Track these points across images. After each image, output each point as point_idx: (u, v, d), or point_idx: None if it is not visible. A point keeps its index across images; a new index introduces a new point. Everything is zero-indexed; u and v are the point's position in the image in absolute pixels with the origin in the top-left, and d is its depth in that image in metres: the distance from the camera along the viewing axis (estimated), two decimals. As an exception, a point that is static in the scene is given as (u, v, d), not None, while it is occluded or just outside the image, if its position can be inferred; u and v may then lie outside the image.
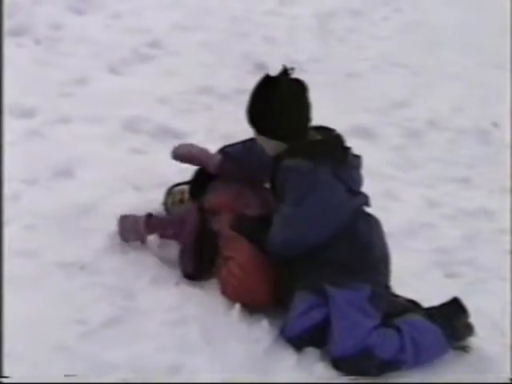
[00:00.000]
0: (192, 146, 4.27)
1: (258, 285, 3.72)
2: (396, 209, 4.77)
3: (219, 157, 4.16)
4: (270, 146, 3.67)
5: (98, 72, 5.79)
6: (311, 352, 3.60)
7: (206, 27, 6.65)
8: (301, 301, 3.66)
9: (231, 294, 3.76)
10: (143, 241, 4.05)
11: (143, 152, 4.96)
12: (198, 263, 3.96)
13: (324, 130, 3.73)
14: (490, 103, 6.23)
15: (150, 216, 4.07)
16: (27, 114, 5.12)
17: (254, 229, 3.83)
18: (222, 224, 3.95)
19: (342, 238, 3.58)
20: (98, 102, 5.36)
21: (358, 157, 3.73)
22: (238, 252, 3.79)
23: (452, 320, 3.65)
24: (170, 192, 4.36)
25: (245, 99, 5.77)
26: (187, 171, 4.37)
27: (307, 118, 3.65)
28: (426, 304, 3.78)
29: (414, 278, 4.16)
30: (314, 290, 3.63)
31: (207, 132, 5.26)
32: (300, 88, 3.62)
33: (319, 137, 3.67)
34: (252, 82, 6.14)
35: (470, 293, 3.94)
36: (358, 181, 3.72)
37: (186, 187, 4.34)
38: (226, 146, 4.20)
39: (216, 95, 5.81)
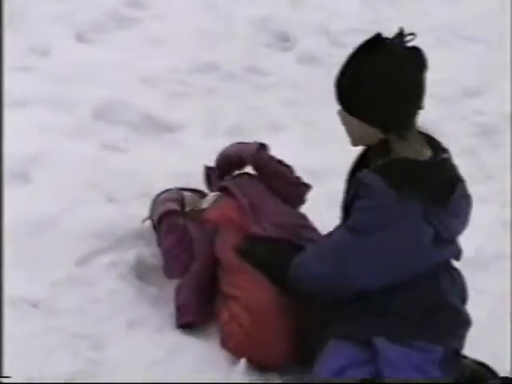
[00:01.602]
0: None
1: (274, 338, 3.71)
2: (465, 234, 4.76)
3: (256, 145, 4.27)
4: (362, 134, 3.57)
5: (63, 40, 5.86)
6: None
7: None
8: (336, 354, 3.62)
9: (235, 348, 3.74)
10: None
11: (121, 149, 4.96)
12: (200, 309, 3.95)
13: (432, 142, 3.61)
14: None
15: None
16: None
17: (271, 255, 3.82)
18: (224, 246, 3.95)
19: (413, 286, 3.55)
20: (61, 81, 5.41)
21: (468, 197, 3.64)
22: (245, 290, 3.77)
23: None
24: (156, 202, 4.36)
25: (260, 80, 5.87)
26: (178, 176, 4.40)
27: (419, 107, 3.50)
28: (499, 367, 3.77)
29: (484, 330, 4.17)
30: (357, 342, 3.60)
31: (208, 124, 5.33)
32: (418, 62, 3.49)
33: (425, 150, 3.55)
34: (270, 57, 6.23)
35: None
36: (456, 229, 3.66)
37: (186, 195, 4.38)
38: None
39: (220, 74, 5.88)
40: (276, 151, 4.87)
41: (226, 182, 4.25)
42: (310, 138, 5.45)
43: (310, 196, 4.75)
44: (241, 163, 4.31)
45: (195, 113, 5.39)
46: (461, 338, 3.65)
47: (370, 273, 3.50)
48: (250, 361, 3.67)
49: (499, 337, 4.15)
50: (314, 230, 4.17)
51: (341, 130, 5.52)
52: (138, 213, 4.33)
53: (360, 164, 3.69)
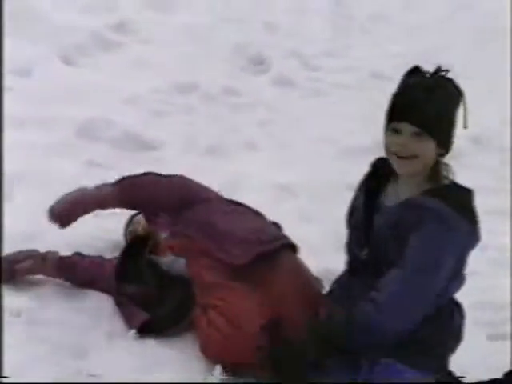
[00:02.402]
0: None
1: (250, 341, 3.64)
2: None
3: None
4: (432, 158, 3.43)
5: (47, 61, 5.82)
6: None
7: (188, 8, 6.69)
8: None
9: (213, 353, 3.71)
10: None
11: (103, 166, 4.92)
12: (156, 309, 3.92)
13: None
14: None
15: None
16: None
17: (331, 326, 3.56)
18: (197, 268, 3.92)
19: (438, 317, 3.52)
20: (45, 100, 5.38)
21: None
22: (224, 300, 3.74)
23: None
24: (131, 221, 4.36)
25: (236, 102, 5.84)
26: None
27: None
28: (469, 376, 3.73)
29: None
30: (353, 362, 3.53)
31: (187, 142, 5.31)
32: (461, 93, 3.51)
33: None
34: (245, 80, 6.19)
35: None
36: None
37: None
38: None
39: (199, 96, 5.86)
40: (251, 169, 4.84)
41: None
42: (283, 157, 5.43)
43: (283, 210, 4.80)
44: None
45: (175, 131, 5.39)
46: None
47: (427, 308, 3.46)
48: (226, 364, 3.64)
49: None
50: (272, 224, 4.20)
51: (312, 149, 5.52)
52: (118, 226, 4.36)
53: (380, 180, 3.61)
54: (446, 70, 3.48)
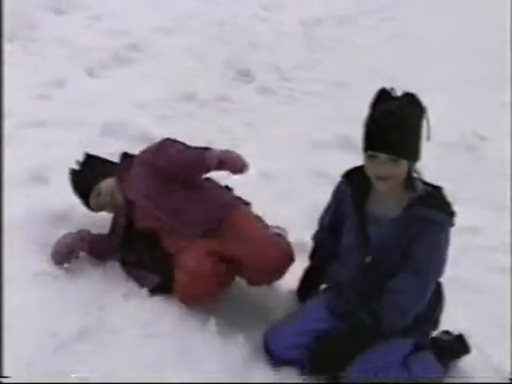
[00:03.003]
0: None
1: (206, 279, 3.69)
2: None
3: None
4: (404, 173, 3.34)
5: (75, 74, 5.80)
6: (286, 369, 3.57)
7: (188, 31, 6.68)
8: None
9: (186, 299, 3.76)
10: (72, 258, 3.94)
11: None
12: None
13: None
14: (476, 115, 6.27)
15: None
16: (4, 115, 5.08)
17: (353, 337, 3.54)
18: (169, 241, 3.92)
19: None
20: (74, 106, 5.36)
21: None
22: (180, 258, 3.76)
23: (456, 357, 3.67)
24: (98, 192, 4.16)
25: (227, 107, 5.85)
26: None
27: None
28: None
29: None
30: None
31: (187, 139, 5.14)
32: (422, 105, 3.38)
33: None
34: (235, 89, 6.18)
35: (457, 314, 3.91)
36: None
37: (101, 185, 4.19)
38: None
39: (197, 102, 5.82)
40: None
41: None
42: (264, 150, 5.40)
43: (264, 192, 4.84)
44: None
45: (177, 130, 5.27)
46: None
47: None
48: (191, 298, 3.73)
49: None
50: (227, 189, 4.15)
51: (287, 143, 5.50)
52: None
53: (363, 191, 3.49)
54: (412, 94, 3.35)
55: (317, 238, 3.84)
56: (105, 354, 3.42)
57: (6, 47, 5.83)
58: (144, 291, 3.83)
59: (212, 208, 3.95)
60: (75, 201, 4.22)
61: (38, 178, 4.57)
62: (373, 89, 6.46)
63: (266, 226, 3.99)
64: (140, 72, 6.08)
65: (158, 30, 6.58)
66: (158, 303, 3.78)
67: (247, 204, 4.09)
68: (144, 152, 4.04)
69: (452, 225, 3.38)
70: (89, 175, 4.13)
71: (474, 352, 3.69)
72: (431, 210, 3.34)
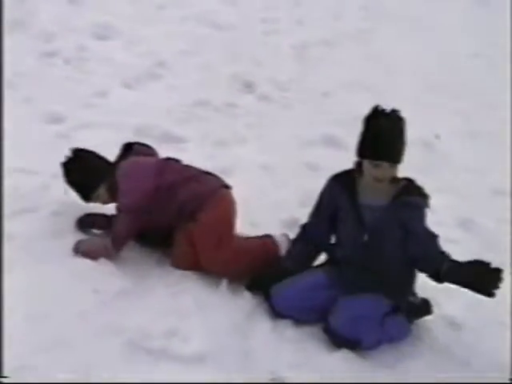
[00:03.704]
0: None
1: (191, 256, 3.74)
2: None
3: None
4: (394, 172, 3.46)
5: (115, 87, 5.79)
6: (283, 320, 3.59)
7: (203, 52, 6.65)
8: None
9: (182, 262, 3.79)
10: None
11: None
12: None
13: None
14: (435, 119, 6.28)
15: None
16: (57, 120, 5.13)
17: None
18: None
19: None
20: (115, 112, 5.36)
21: None
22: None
23: (420, 317, 3.69)
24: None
25: (234, 112, 5.86)
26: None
27: None
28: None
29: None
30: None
31: (202, 138, 5.26)
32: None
33: None
34: (240, 97, 6.17)
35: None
36: None
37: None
38: None
39: (210, 108, 5.79)
40: (243, 155, 4.85)
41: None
42: (263, 147, 5.38)
43: (263, 181, 4.85)
44: None
45: (195, 131, 5.33)
46: None
47: None
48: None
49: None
50: (210, 176, 3.92)
51: (283, 141, 5.50)
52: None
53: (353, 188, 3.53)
54: (397, 110, 3.40)
55: (309, 229, 3.77)
56: (139, 308, 3.47)
57: (64, 67, 5.93)
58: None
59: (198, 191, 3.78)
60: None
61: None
62: (352, 97, 6.52)
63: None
64: (165, 85, 6.05)
65: (179, 52, 6.56)
66: (181, 271, 3.81)
67: (228, 187, 3.90)
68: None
69: (429, 206, 3.48)
70: (89, 174, 3.84)
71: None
72: (415, 197, 3.44)
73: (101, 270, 3.61)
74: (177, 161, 3.92)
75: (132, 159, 3.86)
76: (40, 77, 5.57)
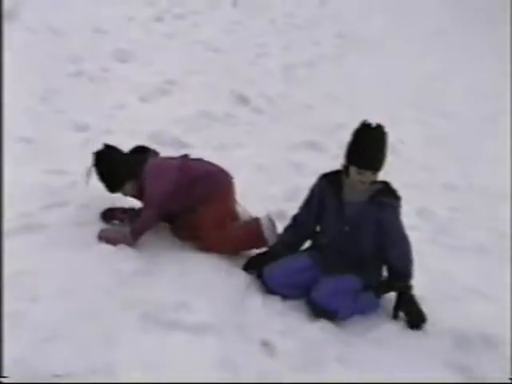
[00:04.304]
0: None
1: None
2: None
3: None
4: (375, 177, 3.39)
5: (132, 101, 5.76)
6: (273, 296, 3.58)
7: (206, 72, 6.63)
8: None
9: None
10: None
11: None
12: None
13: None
14: (399, 127, 6.27)
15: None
16: (84, 128, 5.10)
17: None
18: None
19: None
20: (131, 121, 5.32)
21: None
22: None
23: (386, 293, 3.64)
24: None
25: (232, 121, 5.84)
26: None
27: None
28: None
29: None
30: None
31: (205, 143, 5.22)
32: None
33: None
34: (237, 109, 6.17)
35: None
36: None
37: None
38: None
39: (212, 118, 5.76)
40: (241, 157, 4.84)
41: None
42: (258, 150, 5.36)
43: (258, 178, 4.79)
44: None
45: (199, 138, 5.32)
46: None
47: None
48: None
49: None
50: (221, 170, 3.88)
51: (273, 145, 5.48)
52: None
53: (339, 186, 3.49)
54: (381, 124, 3.34)
55: (299, 219, 3.71)
56: (154, 285, 3.45)
57: (89, 84, 5.87)
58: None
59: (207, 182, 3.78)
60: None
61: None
62: (329, 109, 6.51)
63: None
64: (174, 99, 6.02)
65: (186, 71, 6.54)
66: (189, 254, 3.78)
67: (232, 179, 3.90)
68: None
69: (401, 206, 3.45)
70: (119, 168, 3.71)
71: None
72: (389, 198, 3.41)
73: (120, 253, 3.60)
74: (193, 159, 3.90)
75: (157, 161, 3.81)
76: (70, 93, 5.53)
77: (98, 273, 3.42)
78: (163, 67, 6.46)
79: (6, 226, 3.61)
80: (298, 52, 7.59)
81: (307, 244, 3.80)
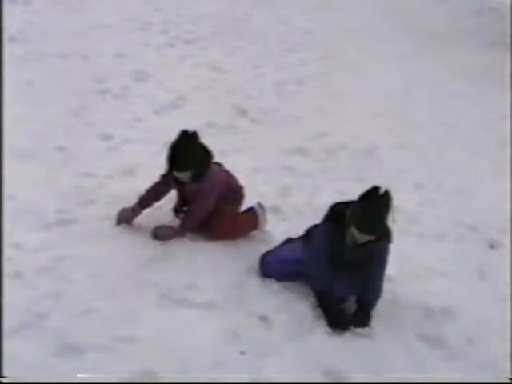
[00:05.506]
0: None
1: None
2: (321, 195, 4.78)
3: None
4: (372, 238, 3.18)
5: (148, 114, 5.74)
6: (268, 280, 3.60)
7: (211, 89, 6.61)
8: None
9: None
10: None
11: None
12: None
13: None
14: (375, 135, 6.29)
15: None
16: (108, 138, 5.11)
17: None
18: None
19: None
20: (148, 131, 5.31)
21: None
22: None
23: None
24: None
25: (233, 131, 5.82)
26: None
27: None
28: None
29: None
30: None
31: (211, 149, 5.20)
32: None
33: None
34: (237, 120, 6.11)
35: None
36: None
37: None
38: None
39: (216, 128, 5.74)
40: (240, 161, 4.81)
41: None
42: (254, 155, 5.35)
43: (255, 180, 4.72)
44: None
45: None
46: None
47: None
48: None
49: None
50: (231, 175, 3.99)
51: (269, 151, 5.47)
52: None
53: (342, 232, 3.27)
54: (388, 191, 3.11)
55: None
56: (167, 269, 3.48)
57: (113, 101, 5.81)
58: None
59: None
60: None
61: (129, 172, 4.56)
62: (316, 120, 6.51)
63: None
64: (184, 112, 5.98)
65: (194, 88, 6.50)
66: (197, 243, 3.80)
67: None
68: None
69: (392, 241, 3.30)
70: (192, 154, 3.61)
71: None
72: (383, 242, 3.27)
73: (139, 242, 3.63)
74: (225, 170, 4.01)
75: (220, 167, 3.93)
76: (97, 108, 5.55)
77: (121, 259, 3.47)
78: (175, 85, 6.45)
79: (48, 219, 3.64)
80: (289, 71, 7.58)
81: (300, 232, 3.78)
